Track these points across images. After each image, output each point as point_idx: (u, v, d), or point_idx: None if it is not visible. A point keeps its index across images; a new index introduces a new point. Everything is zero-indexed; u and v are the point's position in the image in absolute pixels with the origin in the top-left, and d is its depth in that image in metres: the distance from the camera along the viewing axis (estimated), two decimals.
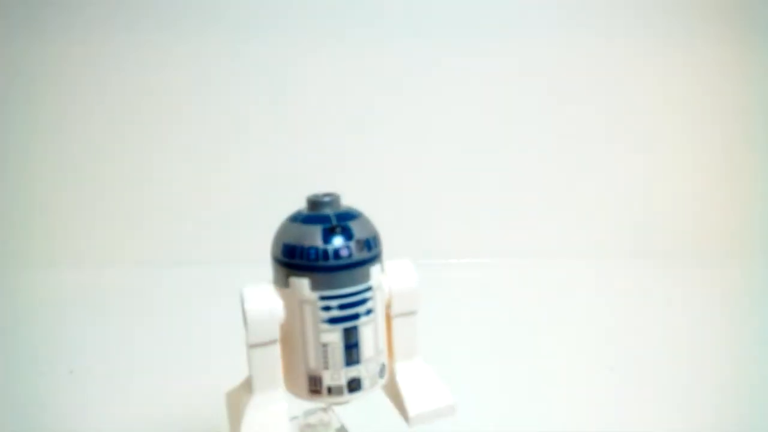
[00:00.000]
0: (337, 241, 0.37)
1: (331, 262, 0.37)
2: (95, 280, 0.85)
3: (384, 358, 0.41)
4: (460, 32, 0.92)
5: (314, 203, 0.39)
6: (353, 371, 0.39)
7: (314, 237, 0.37)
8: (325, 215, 0.39)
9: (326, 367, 0.38)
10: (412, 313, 0.41)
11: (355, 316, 0.38)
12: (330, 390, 0.39)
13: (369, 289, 0.38)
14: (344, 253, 0.37)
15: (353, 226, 0.38)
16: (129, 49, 0.88)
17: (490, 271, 0.92)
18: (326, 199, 0.39)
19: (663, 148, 0.97)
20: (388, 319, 0.41)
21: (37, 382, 0.64)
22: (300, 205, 0.40)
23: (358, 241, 0.38)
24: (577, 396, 0.65)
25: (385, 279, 0.40)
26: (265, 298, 0.38)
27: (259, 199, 0.73)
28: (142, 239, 0.91)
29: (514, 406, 0.63)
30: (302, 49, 0.91)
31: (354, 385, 0.39)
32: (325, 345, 0.38)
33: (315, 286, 0.37)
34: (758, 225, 0.96)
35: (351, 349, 0.38)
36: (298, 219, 0.39)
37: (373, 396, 0.40)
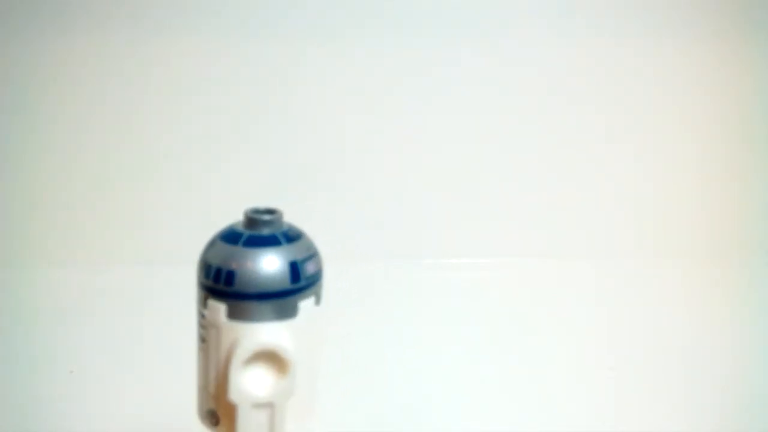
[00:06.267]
0: None
1: None
2: (96, 280, 0.84)
3: (213, 406, 0.35)
4: (459, 32, 0.91)
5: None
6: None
7: None
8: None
9: None
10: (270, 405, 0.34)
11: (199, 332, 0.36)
12: None
13: (202, 316, 0.35)
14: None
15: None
16: (129, 48, 0.88)
17: (489, 271, 0.92)
18: (265, 217, 0.35)
19: (663, 148, 0.96)
20: None
21: (37, 382, 0.63)
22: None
23: (205, 264, 0.35)
24: (576, 396, 0.65)
25: (237, 329, 0.34)
26: None
27: (261, 198, 0.73)
28: (143, 238, 0.89)
29: (514, 407, 0.63)
30: (300, 48, 0.90)
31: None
32: None
33: None
34: (760, 224, 0.96)
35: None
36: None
37: None
